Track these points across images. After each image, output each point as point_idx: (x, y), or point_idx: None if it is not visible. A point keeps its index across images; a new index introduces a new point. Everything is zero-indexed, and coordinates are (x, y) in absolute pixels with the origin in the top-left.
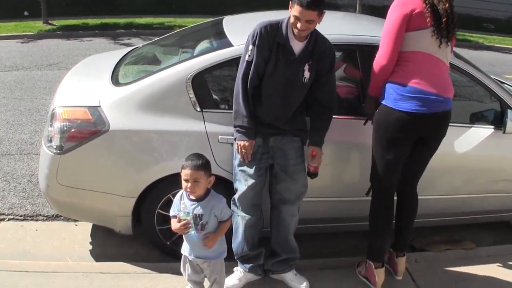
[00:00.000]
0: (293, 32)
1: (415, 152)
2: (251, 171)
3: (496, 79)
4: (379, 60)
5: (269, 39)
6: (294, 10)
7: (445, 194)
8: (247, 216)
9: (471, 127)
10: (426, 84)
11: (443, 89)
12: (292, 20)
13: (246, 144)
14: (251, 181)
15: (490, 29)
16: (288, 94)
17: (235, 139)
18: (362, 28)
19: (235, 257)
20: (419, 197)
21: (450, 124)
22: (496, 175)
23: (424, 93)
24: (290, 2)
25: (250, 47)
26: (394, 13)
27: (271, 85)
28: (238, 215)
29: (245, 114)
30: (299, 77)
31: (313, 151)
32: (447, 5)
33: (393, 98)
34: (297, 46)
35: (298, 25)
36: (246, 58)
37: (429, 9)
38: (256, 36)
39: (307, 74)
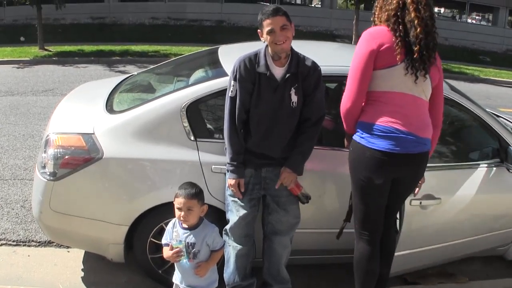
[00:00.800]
0: (272, 59)
1: (391, 190)
2: (243, 202)
3: (492, 112)
4: (344, 102)
5: (250, 72)
6: (266, 26)
7: (451, 241)
8: (239, 246)
9: (472, 167)
10: (400, 123)
11: (420, 129)
12: (269, 39)
13: (233, 182)
14: (243, 212)
15: (486, 62)
16: (277, 122)
17: (227, 170)
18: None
19: (227, 287)
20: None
21: (451, 166)
22: (499, 213)
23: (398, 132)
24: (258, 29)
25: (232, 82)
26: (361, 49)
27: (258, 115)
28: (230, 245)
29: (234, 151)
30: (286, 102)
31: (281, 172)
32: (418, 29)
33: (365, 135)
34: (278, 72)
35: (276, 38)
36: (230, 94)
37: (399, 43)
38: (236, 71)
39: (294, 98)
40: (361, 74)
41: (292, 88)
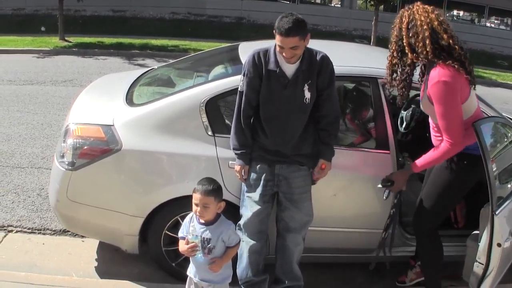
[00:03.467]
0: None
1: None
2: (256, 197)
3: (509, 117)
4: (457, 138)
5: (259, 67)
6: (277, 39)
7: None
8: (252, 242)
9: None
10: None
11: None
12: (278, 49)
13: (238, 169)
14: (256, 208)
15: (504, 66)
16: (290, 118)
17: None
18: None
19: (239, 283)
20: None
21: None
22: None
23: None
24: (274, 30)
25: (241, 77)
26: (452, 97)
27: (269, 111)
28: (243, 241)
29: (237, 142)
30: (298, 98)
31: (322, 164)
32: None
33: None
34: (289, 68)
35: (284, 53)
36: (239, 88)
37: (463, 71)
38: (246, 66)
39: (307, 94)
40: (461, 115)
41: (306, 85)
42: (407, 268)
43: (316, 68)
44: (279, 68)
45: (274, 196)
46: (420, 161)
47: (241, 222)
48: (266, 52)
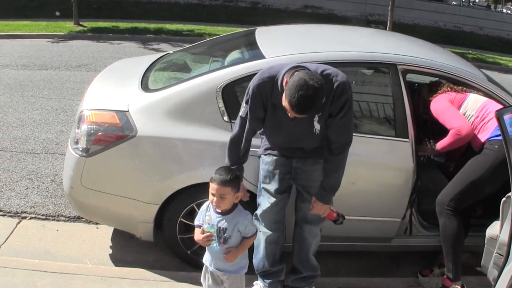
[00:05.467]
0: None
1: None
2: (273, 189)
3: None
4: (465, 127)
5: (263, 100)
6: (288, 111)
7: None
8: (269, 232)
9: None
10: None
11: None
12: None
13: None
14: (273, 199)
15: None
16: (299, 142)
17: (260, 155)
18: (400, 46)
19: (256, 272)
20: None
21: None
22: None
23: None
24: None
25: (244, 104)
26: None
27: (276, 136)
28: (260, 231)
29: (229, 160)
30: (307, 129)
31: (313, 202)
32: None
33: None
34: None
35: (289, 113)
36: (240, 113)
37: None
38: (249, 96)
39: (317, 125)
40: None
41: (316, 116)
42: (430, 262)
43: (330, 97)
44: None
45: (291, 186)
46: (439, 144)
47: (258, 212)
48: (271, 82)
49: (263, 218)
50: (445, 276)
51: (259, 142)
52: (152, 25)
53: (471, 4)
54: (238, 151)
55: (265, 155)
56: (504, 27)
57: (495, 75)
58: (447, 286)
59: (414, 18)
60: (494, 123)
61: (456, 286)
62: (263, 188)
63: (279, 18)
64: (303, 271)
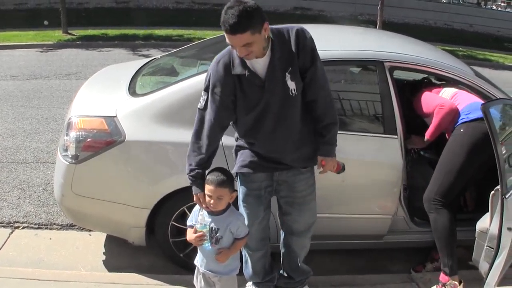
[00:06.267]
0: None
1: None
2: (254, 208)
3: None
4: (447, 103)
5: (226, 77)
6: (226, 37)
7: None
8: (256, 252)
9: None
10: None
11: None
12: (231, 47)
13: (194, 199)
14: (255, 218)
15: (511, 49)
16: (279, 119)
17: (236, 173)
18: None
19: (247, 281)
20: None
21: None
22: None
23: None
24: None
25: (202, 93)
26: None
27: (253, 121)
28: (246, 250)
29: (189, 165)
30: (282, 94)
31: (322, 161)
32: None
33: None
34: (261, 64)
35: (237, 52)
36: (198, 105)
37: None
38: (208, 78)
39: (291, 84)
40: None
41: (286, 74)
42: (423, 258)
43: (293, 48)
44: (247, 70)
45: (270, 200)
46: (427, 132)
47: None
48: (228, 56)
49: (248, 239)
50: (441, 272)
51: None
52: (141, 31)
53: (461, 1)
54: (198, 154)
55: (242, 173)
56: (494, 24)
57: (487, 72)
58: (444, 282)
59: (404, 16)
60: (460, 108)
61: (454, 281)
62: (244, 208)
63: (268, 20)
64: (295, 277)
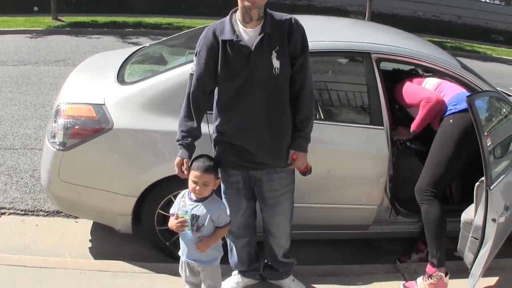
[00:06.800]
0: (243, 22)
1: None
2: (236, 199)
3: (503, 91)
4: (434, 96)
5: (213, 43)
6: None
7: None
8: (239, 238)
9: None
10: None
11: None
12: None
13: (176, 161)
14: (238, 208)
15: (499, 41)
16: (260, 97)
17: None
18: (372, 35)
19: (233, 272)
20: None
21: None
22: None
23: None
24: None
25: (194, 58)
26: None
27: (228, 95)
28: (230, 237)
29: (180, 131)
30: (265, 71)
31: (293, 155)
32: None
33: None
34: (250, 35)
35: None
36: (190, 71)
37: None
38: (198, 45)
39: (276, 62)
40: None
41: (273, 52)
42: (408, 248)
43: (285, 30)
44: (236, 36)
45: (253, 190)
46: (413, 124)
47: None
48: (221, 23)
49: (231, 224)
50: (428, 263)
51: None
52: (131, 19)
53: None
54: (189, 120)
55: (220, 169)
56: (482, 16)
57: (474, 64)
58: (430, 273)
59: (393, 8)
60: (447, 99)
61: (440, 273)
62: (225, 200)
63: None
64: (278, 269)
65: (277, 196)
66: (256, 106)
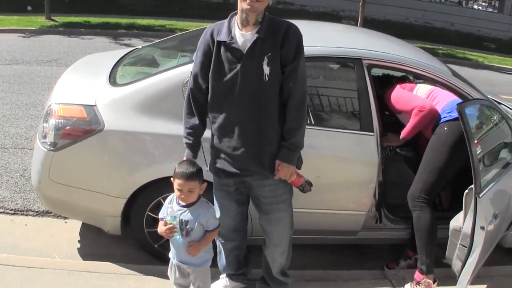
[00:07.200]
0: (241, 25)
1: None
2: (225, 203)
3: (493, 99)
4: (427, 105)
5: (209, 41)
6: None
7: None
8: (228, 242)
9: None
10: None
11: None
12: None
13: (184, 159)
14: (230, 212)
15: (491, 49)
16: (247, 98)
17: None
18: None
19: (221, 275)
20: None
21: None
22: None
23: None
24: None
25: (194, 56)
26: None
27: (217, 95)
28: (219, 241)
29: (185, 129)
30: (255, 76)
31: (278, 165)
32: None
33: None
34: (244, 38)
35: None
36: (191, 69)
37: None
38: (201, 42)
39: (266, 69)
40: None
41: (265, 58)
42: (397, 255)
43: (280, 37)
44: (230, 37)
45: (248, 196)
46: (403, 131)
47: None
48: (220, 23)
49: (221, 227)
50: (417, 270)
51: None
52: (123, 20)
53: (442, 0)
54: (191, 117)
55: (213, 174)
56: (475, 23)
57: (466, 71)
58: (418, 280)
59: (385, 14)
60: (440, 107)
61: (428, 280)
62: (216, 202)
63: None
64: (271, 285)
65: (270, 203)
66: (242, 109)
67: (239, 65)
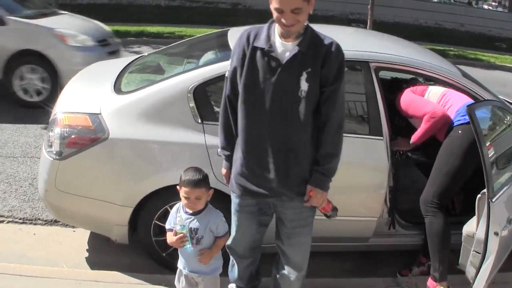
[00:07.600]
0: (280, 35)
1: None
2: (246, 224)
3: (505, 100)
4: (439, 111)
5: (246, 45)
6: (274, 2)
7: None
8: (244, 259)
9: None
10: None
11: None
12: (275, 15)
13: (223, 172)
14: (248, 233)
15: (502, 49)
16: (278, 114)
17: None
18: (374, 44)
19: (230, 285)
20: None
21: None
22: None
23: None
24: None
25: (230, 61)
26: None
27: (247, 106)
28: (234, 258)
29: (223, 136)
30: (291, 90)
31: (310, 191)
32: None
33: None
34: (284, 48)
35: (283, 20)
36: (226, 74)
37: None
38: (234, 47)
39: (304, 85)
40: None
41: (304, 72)
42: (410, 261)
43: (322, 53)
44: (269, 44)
45: (270, 216)
46: (414, 135)
47: (229, 243)
48: (259, 28)
49: (237, 248)
50: (430, 277)
51: None
52: (133, 28)
53: (452, 1)
54: (229, 122)
55: (233, 193)
56: (485, 23)
57: (477, 72)
58: (431, 287)
59: (395, 16)
60: (454, 110)
61: (441, 287)
62: (236, 223)
63: (259, 19)
64: None
65: (293, 227)
66: (272, 122)
67: (274, 76)
